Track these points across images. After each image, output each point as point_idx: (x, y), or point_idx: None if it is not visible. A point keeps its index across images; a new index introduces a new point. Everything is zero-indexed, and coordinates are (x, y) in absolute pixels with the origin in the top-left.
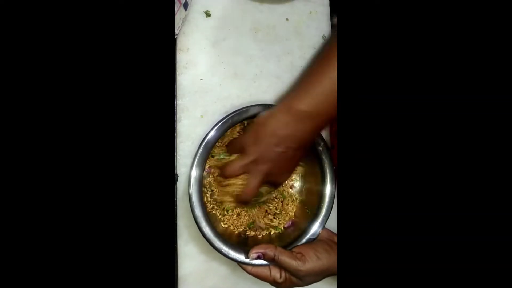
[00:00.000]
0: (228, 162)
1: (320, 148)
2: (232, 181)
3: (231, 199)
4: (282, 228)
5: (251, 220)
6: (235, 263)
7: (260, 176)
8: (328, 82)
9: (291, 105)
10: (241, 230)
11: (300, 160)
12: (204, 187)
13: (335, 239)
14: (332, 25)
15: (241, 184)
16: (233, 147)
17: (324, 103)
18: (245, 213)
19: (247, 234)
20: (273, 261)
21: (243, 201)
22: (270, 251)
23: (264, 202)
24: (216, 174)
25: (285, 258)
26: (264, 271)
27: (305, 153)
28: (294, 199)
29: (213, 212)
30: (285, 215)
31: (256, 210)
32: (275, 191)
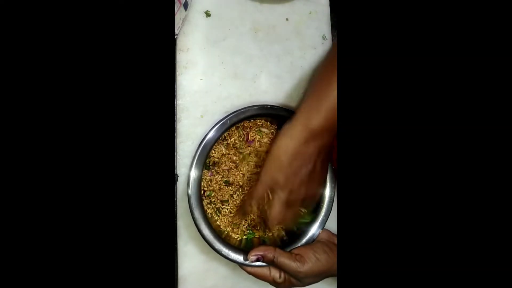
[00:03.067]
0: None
1: None
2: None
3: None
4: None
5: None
6: (235, 263)
7: (285, 196)
8: (334, 96)
9: (306, 124)
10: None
11: (326, 168)
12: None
13: (335, 240)
14: (332, 25)
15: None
16: (256, 190)
17: (333, 118)
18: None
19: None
20: (272, 263)
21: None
22: (269, 253)
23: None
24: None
25: (284, 260)
26: (264, 271)
27: (329, 159)
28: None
29: (209, 211)
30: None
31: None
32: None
